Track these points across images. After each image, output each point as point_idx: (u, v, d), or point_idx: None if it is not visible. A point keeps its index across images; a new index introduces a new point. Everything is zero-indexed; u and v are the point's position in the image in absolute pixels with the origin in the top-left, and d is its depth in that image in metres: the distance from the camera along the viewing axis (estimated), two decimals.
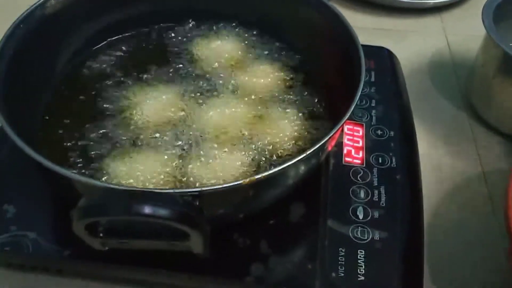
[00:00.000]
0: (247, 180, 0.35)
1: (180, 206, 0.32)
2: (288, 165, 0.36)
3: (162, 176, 0.43)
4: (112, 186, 0.34)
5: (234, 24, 0.57)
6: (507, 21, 0.61)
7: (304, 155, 0.37)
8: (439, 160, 0.59)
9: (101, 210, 0.32)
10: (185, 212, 0.32)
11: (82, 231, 0.33)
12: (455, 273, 0.48)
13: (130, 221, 0.33)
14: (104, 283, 0.45)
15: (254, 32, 0.56)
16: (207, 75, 0.52)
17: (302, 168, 0.41)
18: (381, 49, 0.62)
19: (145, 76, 0.52)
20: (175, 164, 0.44)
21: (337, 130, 0.40)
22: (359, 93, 0.42)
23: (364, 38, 0.72)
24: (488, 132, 0.61)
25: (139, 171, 0.42)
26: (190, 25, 0.57)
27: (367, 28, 0.76)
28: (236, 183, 0.35)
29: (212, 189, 0.35)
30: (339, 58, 0.48)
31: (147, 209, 0.31)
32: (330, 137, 0.39)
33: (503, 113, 0.59)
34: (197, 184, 0.42)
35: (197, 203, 0.34)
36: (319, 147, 0.38)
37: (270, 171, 0.36)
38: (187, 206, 0.33)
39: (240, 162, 0.45)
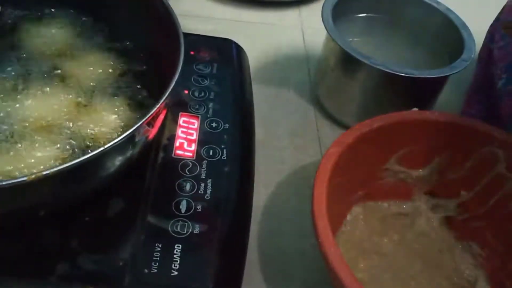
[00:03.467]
0: (33, 176, 0.33)
1: None
2: (82, 160, 0.35)
3: None
4: None
5: (66, 10, 0.54)
6: (348, 16, 0.63)
7: (100, 150, 0.35)
8: (282, 152, 0.60)
9: None
10: None
11: None
12: (282, 261, 0.49)
13: None
14: None
15: (87, 20, 0.54)
16: (31, 62, 0.49)
17: (109, 161, 0.39)
18: (227, 41, 0.62)
19: None
20: None
21: (145, 121, 0.38)
22: (173, 82, 0.41)
23: (221, 29, 0.73)
24: (331, 125, 0.63)
25: None
26: (18, 10, 0.53)
27: (225, 19, 0.75)
28: (17, 180, 0.33)
29: None
30: (168, 47, 0.47)
31: None
32: (135, 128, 0.37)
33: (343, 105, 0.61)
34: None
35: None
36: (121, 139, 0.37)
37: (59, 167, 0.34)
38: None
39: (56, 155, 0.42)
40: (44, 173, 0.33)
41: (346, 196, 0.46)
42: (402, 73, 0.53)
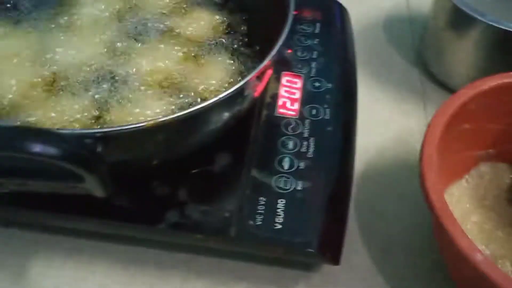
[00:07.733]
0: (151, 122, 0.34)
1: (72, 146, 0.31)
2: (197, 109, 0.35)
3: (78, 120, 0.42)
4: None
5: None
6: None
7: (215, 99, 0.36)
8: (385, 116, 0.58)
9: None
10: (76, 152, 0.31)
11: None
12: (382, 226, 0.48)
13: (20, 158, 0.32)
14: (13, 229, 0.45)
15: None
16: (141, 19, 0.50)
17: (220, 113, 0.40)
18: (330, 0, 0.60)
19: (75, 17, 0.50)
20: (95, 108, 0.43)
21: (255, 74, 0.38)
22: (283, 38, 0.41)
23: None
24: (437, 88, 0.60)
25: (54, 114, 0.41)
26: None
27: None
28: (138, 125, 0.34)
29: (112, 130, 0.34)
30: (275, 6, 0.47)
31: (34, 147, 0.30)
32: (245, 82, 0.38)
33: (452, 67, 0.58)
34: None
35: (100, 147, 0.33)
36: (233, 91, 0.37)
37: (176, 115, 0.35)
38: (80, 146, 0.32)
39: (165, 107, 0.44)
40: (161, 119, 0.35)
41: (472, 148, 0.43)
42: None
